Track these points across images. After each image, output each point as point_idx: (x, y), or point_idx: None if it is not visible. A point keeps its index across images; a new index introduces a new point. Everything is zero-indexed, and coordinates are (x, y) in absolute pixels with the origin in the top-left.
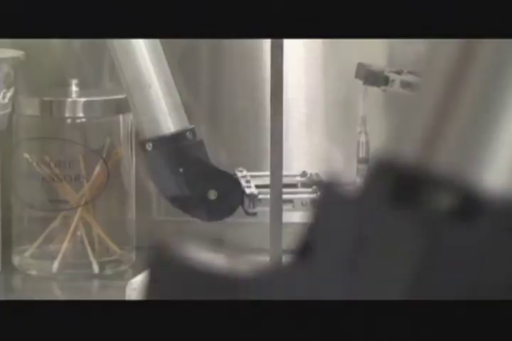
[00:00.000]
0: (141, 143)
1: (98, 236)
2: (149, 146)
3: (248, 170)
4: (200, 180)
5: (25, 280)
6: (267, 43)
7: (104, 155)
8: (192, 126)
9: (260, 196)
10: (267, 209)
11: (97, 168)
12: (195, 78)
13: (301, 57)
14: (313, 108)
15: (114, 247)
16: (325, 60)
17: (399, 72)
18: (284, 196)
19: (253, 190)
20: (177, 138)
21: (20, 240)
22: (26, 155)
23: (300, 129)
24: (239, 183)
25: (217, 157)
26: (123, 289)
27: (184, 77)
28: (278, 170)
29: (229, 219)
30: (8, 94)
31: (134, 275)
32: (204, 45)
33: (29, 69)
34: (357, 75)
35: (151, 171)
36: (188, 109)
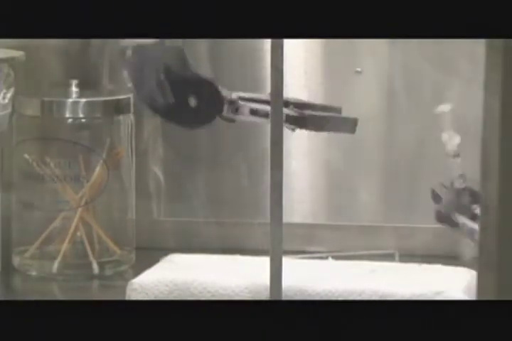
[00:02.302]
0: (120, 51)
1: (98, 237)
2: (129, 53)
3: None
4: (180, 86)
5: (25, 281)
6: (267, 43)
7: (104, 156)
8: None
9: (241, 102)
10: (247, 118)
11: (97, 169)
12: None
13: (301, 57)
14: None
15: (114, 247)
16: (325, 60)
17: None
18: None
19: (234, 97)
20: (156, 44)
21: (21, 240)
22: (26, 156)
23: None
24: (219, 91)
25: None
26: (123, 289)
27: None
28: (278, 171)
29: (229, 220)
30: (9, 95)
31: (134, 275)
32: (204, 45)
33: (29, 69)
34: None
35: (131, 79)
36: None
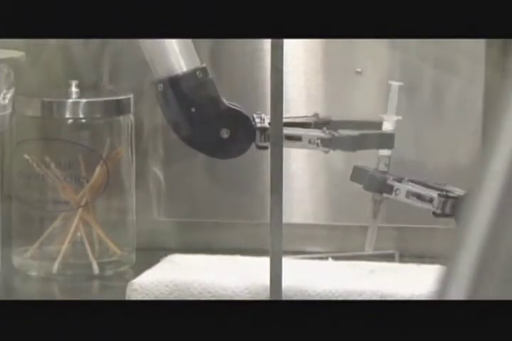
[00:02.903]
0: (153, 84)
1: (98, 237)
2: (160, 87)
3: None
4: (212, 118)
5: (26, 281)
6: (267, 43)
7: (104, 156)
8: (203, 65)
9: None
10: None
11: (98, 169)
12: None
13: (301, 57)
14: (313, 108)
15: (114, 248)
16: (325, 60)
17: (400, 180)
18: (293, 132)
19: (265, 124)
20: (188, 77)
21: (21, 241)
22: (27, 156)
23: None
24: (250, 120)
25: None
26: (123, 290)
27: None
28: (278, 172)
29: (229, 220)
30: (9, 95)
31: (134, 275)
32: (204, 45)
33: (29, 69)
34: (353, 178)
35: (163, 112)
36: None
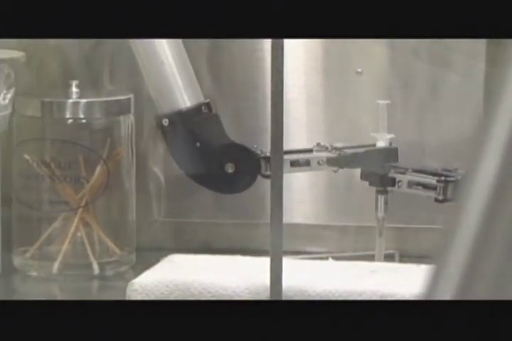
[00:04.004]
0: (157, 119)
1: (98, 237)
2: (165, 122)
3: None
4: (217, 153)
5: (26, 281)
6: (267, 43)
7: (104, 156)
8: (207, 101)
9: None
10: (289, 170)
11: (98, 169)
12: (196, 78)
13: (301, 57)
14: (314, 108)
15: (114, 248)
16: (325, 60)
17: (403, 172)
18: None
19: (268, 154)
20: (192, 113)
21: (21, 241)
22: (27, 156)
23: (300, 129)
24: (255, 155)
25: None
26: (123, 290)
27: None
28: (278, 171)
29: (229, 220)
30: (9, 95)
31: (135, 276)
32: (204, 45)
33: (30, 70)
34: (362, 177)
35: (168, 147)
36: None
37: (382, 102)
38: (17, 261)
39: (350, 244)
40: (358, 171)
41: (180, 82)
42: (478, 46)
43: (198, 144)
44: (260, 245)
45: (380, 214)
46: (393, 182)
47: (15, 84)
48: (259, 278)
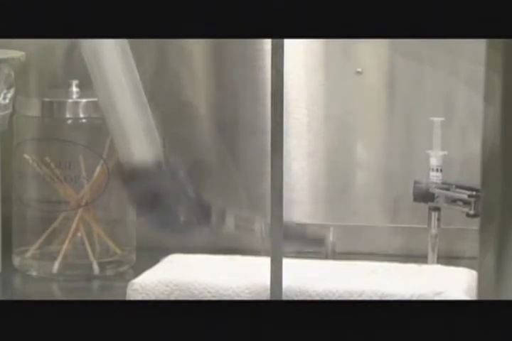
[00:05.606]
0: (117, 167)
1: (98, 237)
2: (128, 175)
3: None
4: (173, 206)
5: (26, 281)
6: (267, 43)
7: (104, 156)
8: (162, 160)
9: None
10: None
11: (98, 169)
12: (196, 78)
13: (302, 57)
14: (314, 108)
15: (114, 248)
16: (325, 60)
17: (447, 189)
18: None
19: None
20: (150, 169)
21: (21, 240)
22: (27, 156)
23: (300, 130)
24: (210, 210)
25: (219, 157)
26: (123, 290)
27: (184, 78)
28: (278, 171)
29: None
30: (9, 95)
31: (135, 275)
32: (204, 45)
33: (30, 70)
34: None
35: (126, 191)
36: (189, 108)
37: (437, 119)
38: (17, 260)
39: (350, 244)
40: (358, 171)
41: (142, 133)
42: None
43: (154, 196)
44: (260, 245)
45: (434, 230)
46: (432, 197)
47: (15, 84)
48: (259, 278)
